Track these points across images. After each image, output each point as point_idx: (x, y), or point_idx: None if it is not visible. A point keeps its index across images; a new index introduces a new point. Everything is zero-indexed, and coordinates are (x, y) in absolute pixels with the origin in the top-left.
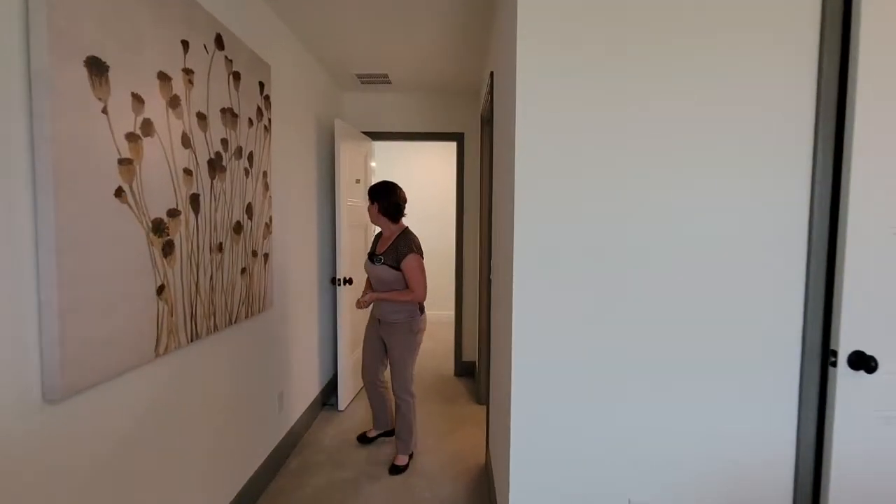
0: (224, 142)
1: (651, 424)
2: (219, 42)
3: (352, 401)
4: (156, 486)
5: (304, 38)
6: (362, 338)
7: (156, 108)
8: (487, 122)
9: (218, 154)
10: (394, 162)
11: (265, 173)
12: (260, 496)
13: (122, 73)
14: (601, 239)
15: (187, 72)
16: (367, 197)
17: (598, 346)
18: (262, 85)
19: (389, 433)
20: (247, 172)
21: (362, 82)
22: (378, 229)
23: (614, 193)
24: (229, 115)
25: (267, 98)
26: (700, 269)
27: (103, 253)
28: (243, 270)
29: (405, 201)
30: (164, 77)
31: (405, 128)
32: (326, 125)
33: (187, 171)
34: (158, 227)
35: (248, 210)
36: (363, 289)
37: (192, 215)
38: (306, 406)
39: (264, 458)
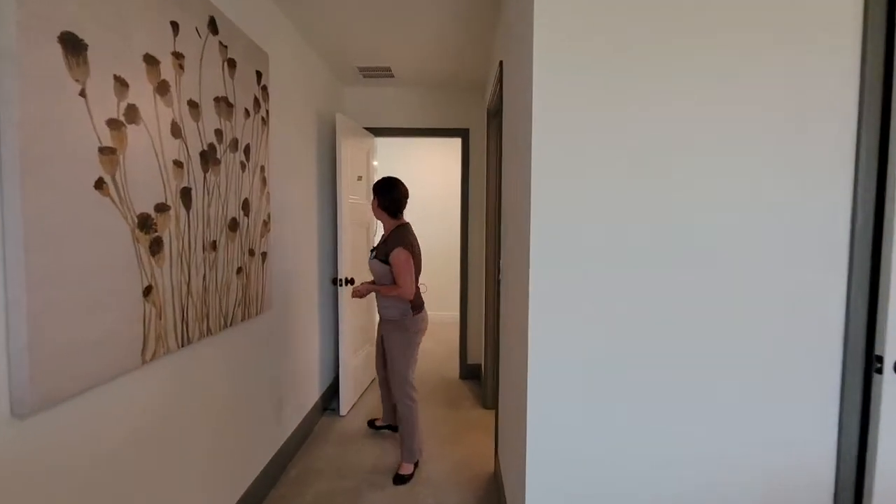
0: (218, 133)
1: (681, 427)
2: (212, 26)
3: (353, 405)
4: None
5: (304, 28)
6: (364, 340)
7: (142, 93)
8: (494, 115)
9: (211, 146)
10: (396, 159)
11: (263, 168)
12: None
13: (103, 54)
14: (629, 238)
15: (177, 56)
16: (371, 192)
17: (624, 346)
18: (259, 74)
19: (395, 428)
20: (243, 166)
21: (364, 76)
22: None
23: (645, 191)
24: (224, 104)
25: (265, 88)
26: (735, 268)
27: (82, 250)
28: (239, 270)
29: (406, 197)
30: (151, 60)
31: (408, 123)
32: (327, 120)
33: (177, 163)
34: (145, 223)
35: (245, 206)
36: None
37: (182, 211)
38: (307, 411)
39: (263, 466)
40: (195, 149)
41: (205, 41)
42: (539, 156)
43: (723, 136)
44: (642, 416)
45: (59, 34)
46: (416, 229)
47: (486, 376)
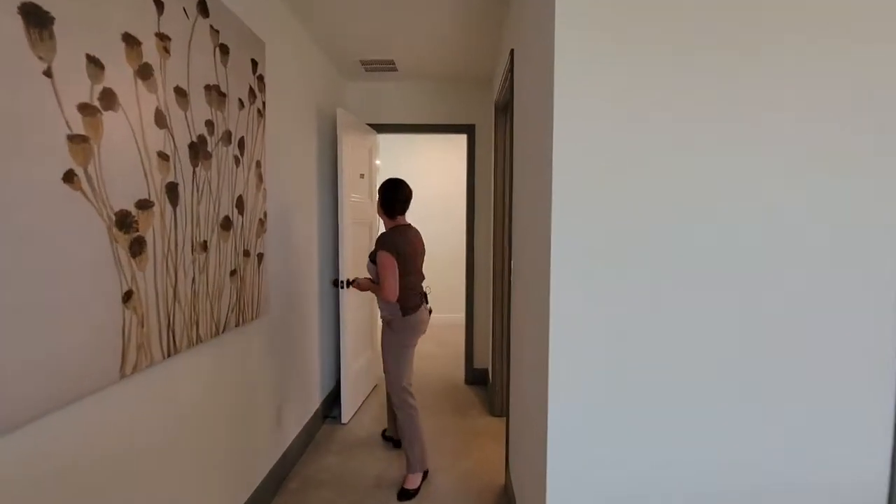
0: (209, 124)
1: (726, 443)
2: (202, 7)
3: (355, 413)
4: None
5: (304, 16)
6: (366, 345)
7: (120, 76)
8: (502, 109)
9: (201, 137)
10: (398, 157)
11: (259, 163)
12: None
13: (74, 29)
14: (662, 240)
15: (162, 38)
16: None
17: (658, 355)
18: (254, 63)
19: (398, 443)
20: (237, 161)
21: (367, 70)
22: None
23: (681, 190)
24: (215, 93)
25: (261, 79)
26: (787, 276)
27: (47, 250)
28: (233, 272)
29: (406, 199)
30: (131, 40)
31: (412, 119)
32: (328, 115)
33: (162, 156)
34: (124, 221)
35: (239, 204)
36: None
37: (168, 208)
38: (307, 420)
39: (261, 478)
40: (183, 140)
41: (194, 23)
42: (560, 151)
43: (771, 136)
44: (680, 430)
45: (19, 4)
46: (420, 228)
47: (493, 382)
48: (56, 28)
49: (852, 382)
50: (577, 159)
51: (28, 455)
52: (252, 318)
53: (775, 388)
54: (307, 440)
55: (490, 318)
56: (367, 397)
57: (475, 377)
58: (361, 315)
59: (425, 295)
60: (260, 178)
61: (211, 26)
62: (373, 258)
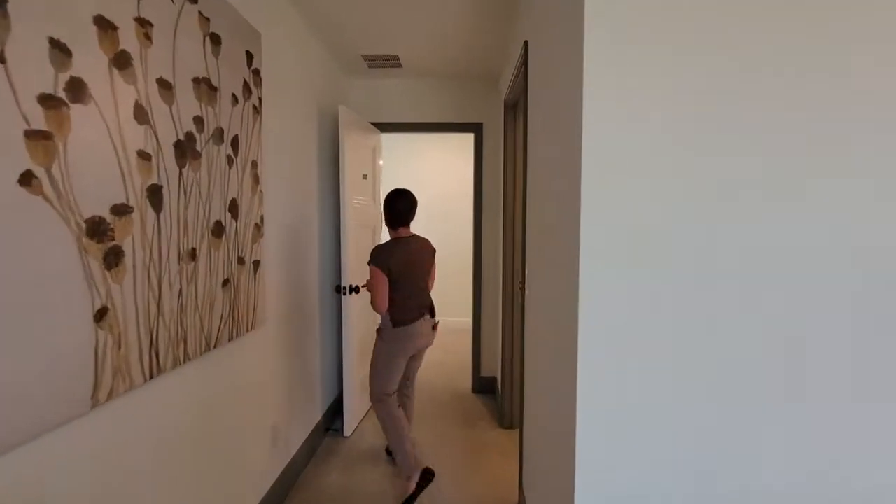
0: (198, 120)
1: (788, 474)
2: None
3: (358, 425)
4: None
5: (303, 8)
6: (370, 353)
7: (92, 64)
8: (513, 106)
9: (189, 135)
10: (402, 156)
11: (254, 163)
12: None
13: (34, 9)
14: (710, 240)
15: (142, 23)
16: None
17: (710, 366)
18: (249, 56)
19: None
20: (230, 161)
21: (370, 66)
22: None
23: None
24: (205, 86)
25: (256, 72)
26: (843, 277)
27: None
28: (226, 282)
29: (406, 210)
30: (104, 24)
31: (417, 118)
32: (329, 113)
33: (143, 155)
34: (97, 229)
35: (233, 207)
36: None
37: (150, 213)
38: (307, 434)
39: (260, 498)
40: (168, 138)
41: (180, 9)
42: (592, 146)
43: (845, 131)
44: (738, 447)
45: None
46: (425, 231)
47: (503, 393)
48: (10, 6)
49: None
50: (609, 157)
51: None
52: (247, 330)
53: (828, 390)
54: (308, 456)
55: (499, 325)
56: (370, 408)
57: (483, 386)
58: (364, 322)
59: (431, 308)
60: (256, 179)
61: (200, 13)
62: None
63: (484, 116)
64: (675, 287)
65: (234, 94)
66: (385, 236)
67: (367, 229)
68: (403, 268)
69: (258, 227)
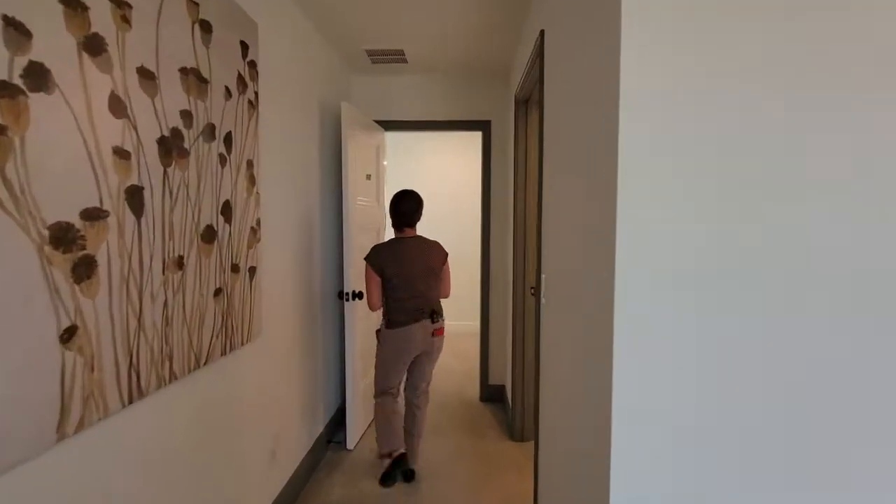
0: (186, 115)
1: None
2: None
3: (362, 437)
4: None
5: (303, 1)
6: (373, 360)
7: (57, 48)
8: (524, 102)
9: (175, 131)
10: (406, 156)
11: (250, 163)
12: None
13: None
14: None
15: (119, 4)
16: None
17: (786, 395)
18: (245, 47)
19: (407, 475)
20: (223, 160)
21: (374, 61)
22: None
23: (799, 188)
24: (194, 78)
25: (252, 65)
26: None
27: None
28: (218, 292)
29: (410, 211)
30: (73, 3)
31: (423, 116)
32: (331, 110)
33: (121, 153)
34: (64, 237)
35: (226, 210)
36: None
37: (129, 218)
38: (308, 449)
39: None
40: (150, 134)
41: None
42: (631, 141)
43: None
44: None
45: None
46: (431, 232)
47: (514, 403)
48: None
49: None
50: (650, 154)
51: None
52: (243, 343)
53: None
54: (309, 470)
55: (508, 332)
56: (373, 419)
57: (491, 394)
58: (369, 329)
59: (433, 312)
60: (252, 179)
61: None
62: None
63: (492, 114)
64: (719, 296)
65: (227, 88)
66: (390, 237)
67: (370, 232)
68: (398, 269)
69: (254, 232)
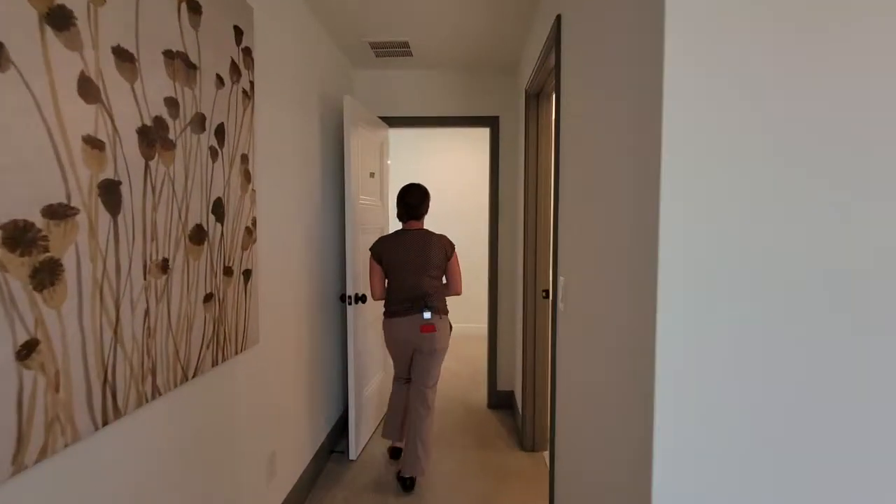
0: (171, 103)
1: None
2: None
3: (365, 446)
4: None
5: None
6: (378, 367)
7: (12, 18)
8: (535, 95)
9: (159, 120)
10: (410, 154)
11: (245, 157)
12: None
13: None
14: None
15: None
16: None
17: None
18: (238, 32)
19: (405, 482)
20: (214, 153)
21: (377, 54)
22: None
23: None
24: (181, 62)
25: (247, 52)
26: None
27: None
28: (209, 297)
29: (414, 204)
30: None
31: (428, 112)
32: (333, 105)
33: (93, 142)
34: (20, 238)
35: (217, 208)
36: None
37: (104, 215)
38: (308, 460)
39: None
40: (129, 122)
41: None
42: (675, 135)
43: None
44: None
45: None
46: (437, 231)
47: (524, 412)
48: None
49: None
50: (698, 151)
51: None
52: (237, 352)
53: None
54: (310, 483)
55: (518, 336)
56: (378, 426)
57: (499, 400)
58: (372, 333)
59: (426, 307)
60: (247, 176)
61: None
62: None
63: (501, 109)
64: (785, 308)
65: (218, 76)
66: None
67: (374, 234)
68: (393, 259)
69: (250, 232)
